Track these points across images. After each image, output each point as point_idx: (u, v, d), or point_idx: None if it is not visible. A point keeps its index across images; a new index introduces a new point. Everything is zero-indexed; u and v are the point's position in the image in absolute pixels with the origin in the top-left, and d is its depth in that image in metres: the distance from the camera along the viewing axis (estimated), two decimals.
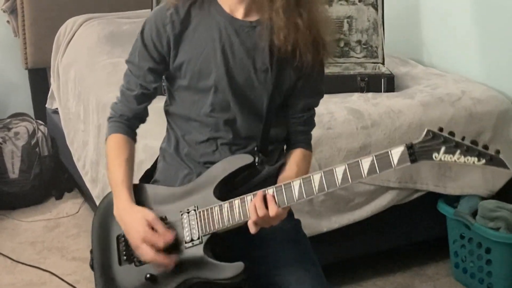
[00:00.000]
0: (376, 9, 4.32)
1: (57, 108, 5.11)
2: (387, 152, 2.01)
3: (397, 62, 4.56)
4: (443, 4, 4.48)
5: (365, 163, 2.03)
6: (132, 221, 2.30)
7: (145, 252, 2.26)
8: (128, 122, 2.48)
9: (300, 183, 2.13)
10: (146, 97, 2.47)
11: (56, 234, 4.60)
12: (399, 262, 4.12)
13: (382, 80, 4.02)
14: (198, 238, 2.27)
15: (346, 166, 2.06)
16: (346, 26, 4.34)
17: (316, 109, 2.53)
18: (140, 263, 2.37)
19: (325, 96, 2.50)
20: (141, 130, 2.56)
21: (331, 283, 2.44)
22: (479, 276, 3.78)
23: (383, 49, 4.31)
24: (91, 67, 4.63)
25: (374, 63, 4.31)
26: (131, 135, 2.50)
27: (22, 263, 4.23)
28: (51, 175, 5.11)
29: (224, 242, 2.38)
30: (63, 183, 5.18)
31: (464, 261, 3.85)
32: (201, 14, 2.38)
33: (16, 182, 4.92)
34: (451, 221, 3.87)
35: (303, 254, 2.43)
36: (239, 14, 2.35)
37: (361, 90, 4.00)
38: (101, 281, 2.50)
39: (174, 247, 2.29)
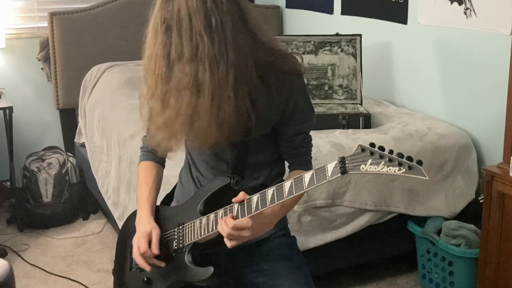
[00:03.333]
0: (356, 58, 4.32)
1: (84, 142, 5.09)
2: (324, 166, 1.94)
3: (373, 103, 4.56)
4: (412, 54, 4.49)
5: (307, 177, 1.98)
6: (142, 231, 2.37)
7: (134, 248, 2.35)
8: (153, 151, 2.47)
9: (258, 198, 2.10)
10: None
11: (83, 249, 4.60)
12: (375, 273, 4.13)
13: (360, 118, 4.02)
14: (183, 247, 2.30)
15: (293, 180, 2.02)
16: (330, 72, 4.35)
17: None
18: (142, 268, 2.42)
19: (311, 132, 2.41)
20: None
21: None
22: (443, 286, 3.78)
23: (361, 92, 4.30)
24: (113, 107, 4.65)
25: (354, 103, 4.31)
26: (157, 161, 2.52)
27: (55, 275, 4.22)
28: (78, 199, 5.11)
29: (233, 258, 2.43)
30: (89, 206, 5.18)
31: (430, 273, 3.85)
32: None
33: (49, 205, 4.92)
34: (419, 238, 3.88)
35: (295, 268, 2.41)
36: None
37: (343, 127, 3.98)
38: (117, 284, 2.57)
39: (167, 254, 2.34)
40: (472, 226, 3.69)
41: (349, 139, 3.81)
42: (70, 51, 5.32)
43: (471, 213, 3.91)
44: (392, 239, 3.98)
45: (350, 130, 3.98)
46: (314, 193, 3.57)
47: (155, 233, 2.34)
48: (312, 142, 2.44)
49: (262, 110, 2.23)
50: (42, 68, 5.44)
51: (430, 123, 4.11)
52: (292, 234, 2.59)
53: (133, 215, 2.54)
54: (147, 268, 2.33)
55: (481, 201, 3.54)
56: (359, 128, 4.00)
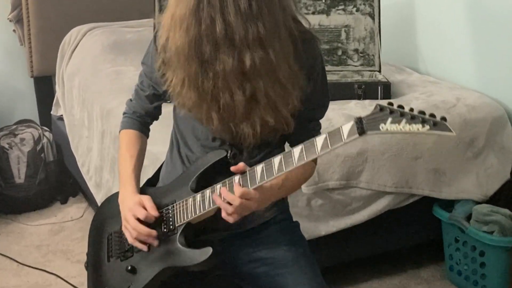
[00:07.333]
0: (373, 19, 4.30)
1: (62, 115, 5.09)
2: (339, 128, 1.98)
3: (393, 70, 4.53)
4: (438, 13, 4.47)
5: (319, 141, 2.01)
6: (132, 201, 2.37)
7: (130, 219, 2.34)
8: (141, 118, 2.56)
9: (262, 167, 2.12)
10: (157, 98, 2.52)
11: (61, 237, 4.60)
12: (395, 264, 4.11)
13: (379, 87, 4.00)
14: (174, 229, 2.32)
15: (303, 145, 2.05)
16: (343, 35, 4.33)
17: None
18: (124, 257, 2.42)
19: None
20: None
21: (330, 285, 2.45)
22: (473, 279, 3.77)
23: (379, 57, 4.28)
24: (95, 75, 4.63)
25: (371, 71, 4.28)
26: (143, 131, 2.57)
27: (28, 266, 4.22)
28: (56, 180, 5.11)
29: (230, 246, 2.44)
30: (68, 188, 5.18)
31: (459, 264, 3.85)
32: None
33: (22, 187, 4.93)
34: (446, 225, 3.87)
35: (300, 256, 2.43)
36: None
37: (359, 98, 3.98)
38: (92, 278, 2.55)
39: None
40: (506, 211, 3.69)
41: (366, 112, 3.75)
42: (46, 10, 5.30)
43: (505, 196, 3.91)
44: (415, 226, 3.98)
45: (367, 101, 3.98)
46: (326, 173, 3.56)
47: (147, 198, 2.36)
48: (324, 119, 2.51)
49: None
50: (14, 30, 5.42)
51: (459, 93, 4.09)
52: (301, 219, 2.62)
53: (109, 200, 2.57)
54: (152, 236, 2.32)
55: None
56: (377, 98, 4.00)
